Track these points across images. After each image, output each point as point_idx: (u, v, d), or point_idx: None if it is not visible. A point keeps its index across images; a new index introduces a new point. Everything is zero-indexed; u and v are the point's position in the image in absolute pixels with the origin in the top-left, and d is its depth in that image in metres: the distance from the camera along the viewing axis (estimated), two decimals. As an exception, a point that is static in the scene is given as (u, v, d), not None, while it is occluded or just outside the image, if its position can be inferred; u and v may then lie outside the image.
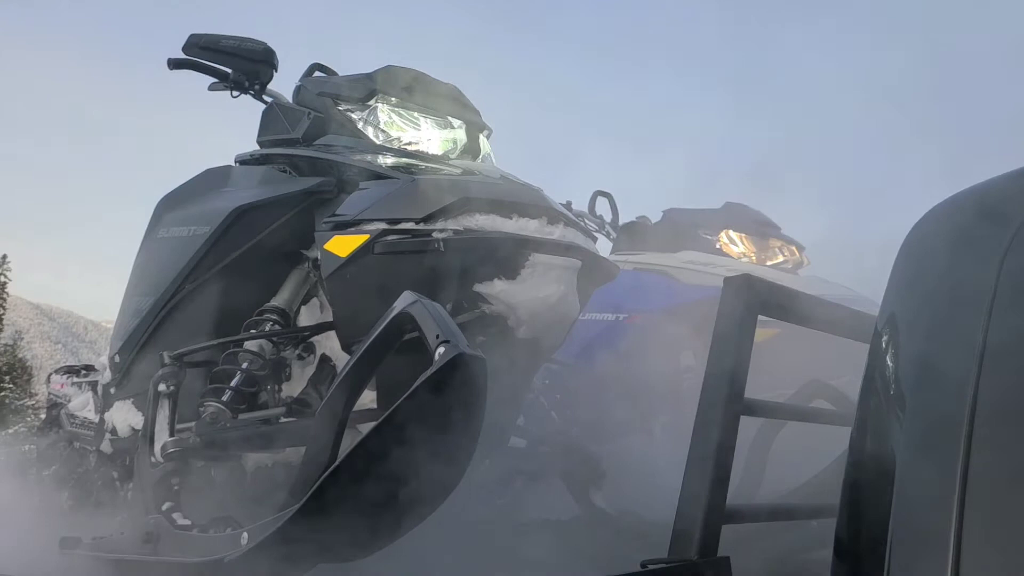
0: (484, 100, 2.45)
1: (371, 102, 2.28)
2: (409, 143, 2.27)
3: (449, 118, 2.35)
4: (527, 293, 2.01)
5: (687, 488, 1.39)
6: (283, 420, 2.02)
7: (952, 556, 0.68)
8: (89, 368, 3.35)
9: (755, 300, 1.50)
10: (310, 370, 2.20)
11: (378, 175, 2.11)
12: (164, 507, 1.83)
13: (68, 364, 3.59)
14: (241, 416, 2.02)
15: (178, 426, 1.97)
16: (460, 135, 2.35)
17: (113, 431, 2.44)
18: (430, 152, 2.27)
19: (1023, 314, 0.74)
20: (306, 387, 2.15)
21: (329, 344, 2.19)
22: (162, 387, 1.99)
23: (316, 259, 2.11)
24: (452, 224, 1.95)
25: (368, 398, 2.02)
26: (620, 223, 4.37)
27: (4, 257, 27.71)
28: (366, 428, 1.41)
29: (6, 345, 28.62)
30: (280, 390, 2.17)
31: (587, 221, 4.14)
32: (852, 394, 1.80)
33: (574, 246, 2.11)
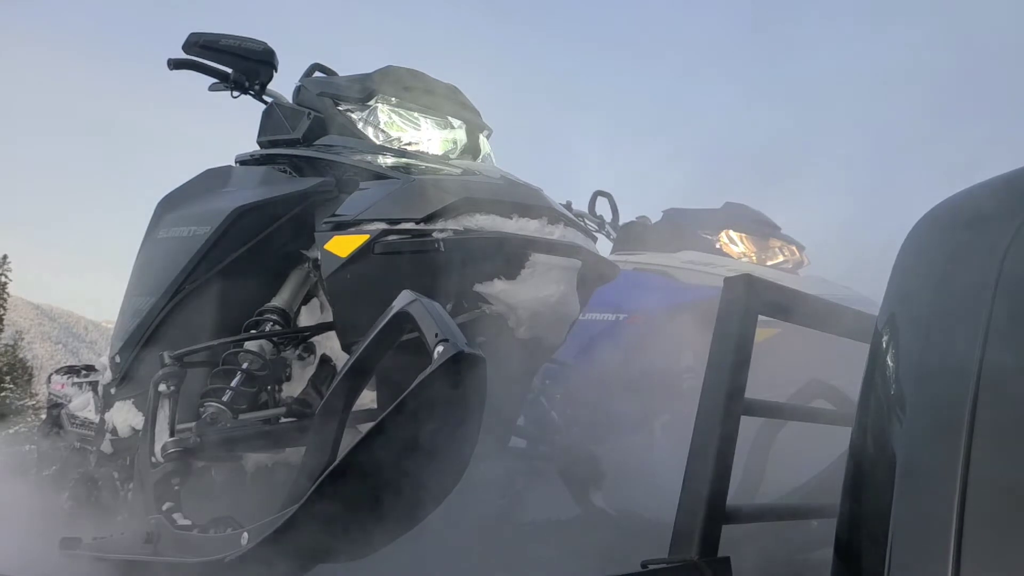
0: (484, 97, 2.45)
1: (371, 102, 2.29)
2: (409, 143, 2.27)
3: (449, 118, 2.35)
4: (527, 293, 2.01)
5: (687, 488, 1.39)
6: (283, 420, 2.02)
7: (952, 556, 0.68)
8: (90, 368, 3.35)
9: (755, 300, 1.50)
10: (310, 370, 2.20)
11: (378, 175, 2.11)
12: (164, 507, 1.83)
13: (69, 364, 3.59)
14: (241, 416, 2.02)
15: (178, 426, 1.96)
16: (460, 135, 2.35)
17: (113, 431, 2.44)
18: (430, 152, 2.28)
19: (1023, 314, 0.74)
20: (306, 387, 2.15)
21: (329, 344, 2.18)
22: (162, 387, 1.99)
23: (316, 259, 2.11)
24: (452, 224, 1.95)
25: (368, 398, 2.02)
26: (620, 223, 4.37)
27: (4, 257, 27.75)
28: (366, 428, 1.41)
29: (6, 345, 28.65)
30: (280, 390, 2.17)
31: (587, 221, 4.14)
32: (852, 394, 1.80)
33: (574, 246, 2.11)
